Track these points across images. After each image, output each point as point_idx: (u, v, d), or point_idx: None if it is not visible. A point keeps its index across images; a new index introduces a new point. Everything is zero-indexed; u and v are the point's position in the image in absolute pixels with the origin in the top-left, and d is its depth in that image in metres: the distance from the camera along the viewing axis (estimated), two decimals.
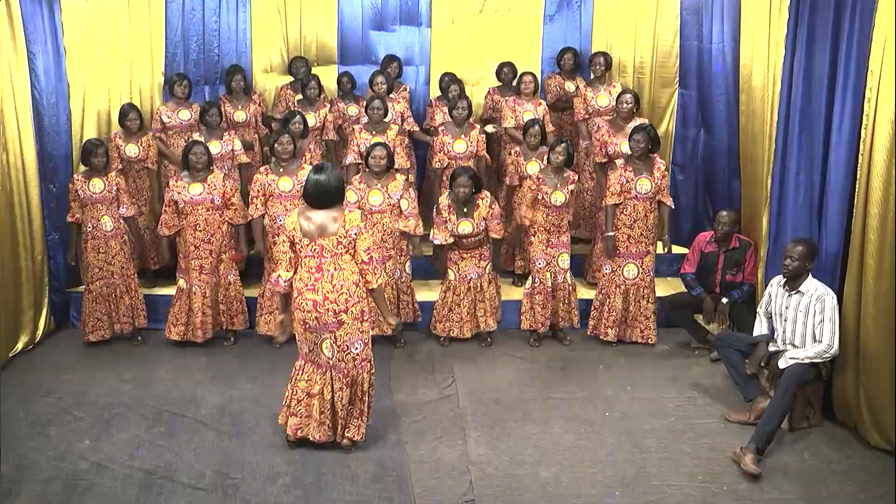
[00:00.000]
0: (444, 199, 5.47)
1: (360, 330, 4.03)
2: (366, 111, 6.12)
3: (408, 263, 5.64)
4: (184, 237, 5.47)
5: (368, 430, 4.25)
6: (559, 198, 5.47)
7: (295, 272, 4.05)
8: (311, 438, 4.13)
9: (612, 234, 5.53)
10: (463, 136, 6.11)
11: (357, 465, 4.05)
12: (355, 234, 3.97)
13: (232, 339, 5.72)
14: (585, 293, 6.11)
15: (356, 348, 4.04)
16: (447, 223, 5.42)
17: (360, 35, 7.27)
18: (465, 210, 5.41)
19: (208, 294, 5.51)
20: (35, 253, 5.65)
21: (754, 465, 3.95)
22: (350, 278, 3.97)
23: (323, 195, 3.95)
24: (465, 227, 5.41)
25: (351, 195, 5.31)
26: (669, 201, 5.55)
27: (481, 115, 7.06)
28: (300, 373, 4.15)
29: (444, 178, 6.00)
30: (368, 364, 4.12)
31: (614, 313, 5.61)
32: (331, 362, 4.04)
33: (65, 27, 5.99)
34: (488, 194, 5.52)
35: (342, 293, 3.94)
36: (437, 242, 5.46)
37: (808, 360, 4.26)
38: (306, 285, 3.96)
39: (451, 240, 5.45)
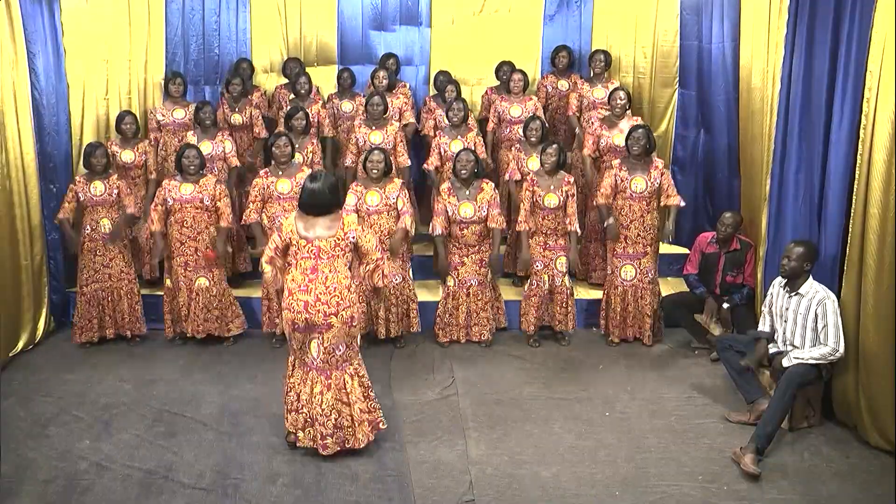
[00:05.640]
0: (444, 185, 5.46)
1: (348, 335, 4.03)
2: (365, 107, 6.12)
3: (409, 268, 5.61)
4: (170, 235, 5.46)
5: None
6: (552, 200, 5.43)
7: (281, 271, 4.06)
8: (298, 444, 4.12)
9: (611, 220, 5.50)
10: (460, 137, 6.10)
11: (357, 465, 4.05)
12: (354, 236, 4.00)
13: (232, 339, 5.72)
14: (584, 294, 6.12)
15: (340, 350, 4.03)
16: (446, 209, 5.36)
17: (360, 35, 7.28)
18: (468, 193, 5.37)
19: (194, 290, 5.49)
20: (34, 252, 5.65)
21: (754, 465, 3.95)
22: (343, 282, 3.98)
23: (318, 204, 3.98)
24: (467, 208, 5.34)
25: (350, 198, 5.31)
26: (678, 200, 5.49)
27: (479, 113, 7.06)
28: (291, 370, 4.15)
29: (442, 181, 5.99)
30: (351, 367, 4.09)
31: (615, 314, 5.62)
32: (315, 363, 4.03)
33: (65, 27, 6.00)
34: (492, 182, 5.50)
35: (334, 296, 3.94)
36: (435, 233, 5.39)
37: (812, 361, 4.26)
38: (299, 286, 3.96)
39: (448, 230, 5.36)
